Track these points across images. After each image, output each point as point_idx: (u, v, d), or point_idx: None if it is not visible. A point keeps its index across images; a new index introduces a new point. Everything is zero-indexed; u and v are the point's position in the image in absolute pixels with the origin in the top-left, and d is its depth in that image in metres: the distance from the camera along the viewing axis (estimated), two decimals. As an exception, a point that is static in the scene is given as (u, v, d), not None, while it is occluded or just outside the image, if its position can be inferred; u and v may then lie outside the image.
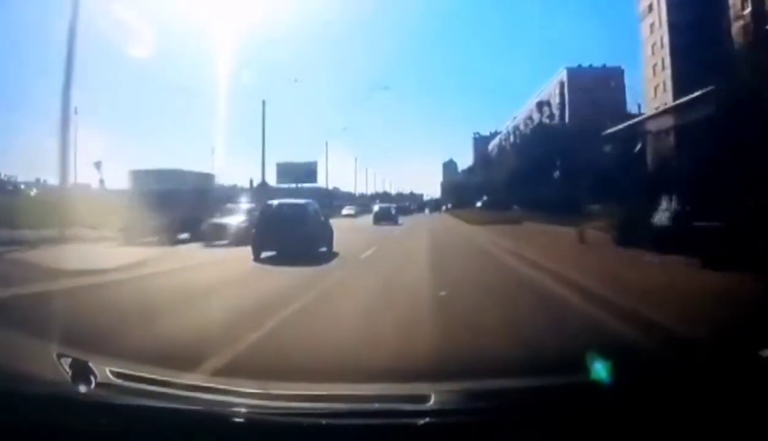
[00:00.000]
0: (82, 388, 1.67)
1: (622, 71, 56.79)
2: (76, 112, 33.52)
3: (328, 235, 14.08)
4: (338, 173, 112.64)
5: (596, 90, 57.99)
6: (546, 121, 63.57)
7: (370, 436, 1.51)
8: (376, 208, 38.89)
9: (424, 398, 1.72)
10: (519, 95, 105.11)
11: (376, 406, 1.74)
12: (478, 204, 48.97)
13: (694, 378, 1.92)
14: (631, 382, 1.91)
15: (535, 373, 2.49)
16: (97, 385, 1.69)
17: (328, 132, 72.87)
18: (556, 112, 61.20)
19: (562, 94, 59.01)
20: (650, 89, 50.17)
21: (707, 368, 2.20)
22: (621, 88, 59.20)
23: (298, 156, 54.63)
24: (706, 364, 2.42)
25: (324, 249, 13.25)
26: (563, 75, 58.11)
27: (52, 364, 1.89)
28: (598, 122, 63.38)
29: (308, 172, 50.15)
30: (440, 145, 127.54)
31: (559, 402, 1.68)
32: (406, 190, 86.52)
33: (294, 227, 12.70)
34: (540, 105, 66.45)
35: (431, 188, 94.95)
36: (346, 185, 67.57)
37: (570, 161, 46.18)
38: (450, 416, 1.61)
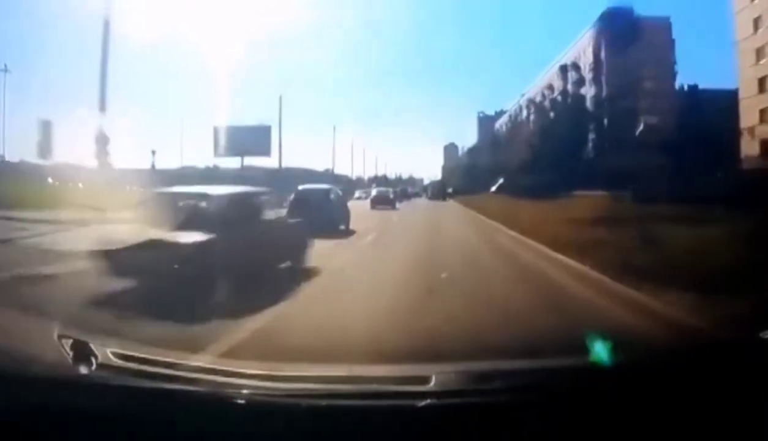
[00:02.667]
0: (83, 370, 1.71)
1: (669, 23, 47.86)
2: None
3: (346, 216, 17.74)
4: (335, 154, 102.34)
5: (640, 46, 46.17)
6: (571, 88, 55.80)
7: (370, 417, 1.58)
8: (373, 191, 38.60)
9: (425, 379, 1.78)
10: (526, 71, 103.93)
11: (377, 387, 1.82)
12: (493, 188, 41.91)
13: (694, 360, 1.98)
14: (632, 363, 2.00)
15: (536, 355, 2.48)
16: (98, 366, 1.74)
17: (335, 117, 71.21)
18: (588, 75, 54.57)
19: (596, 52, 43.69)
20: (744, 22, 34.81)
21: (708, 350, 2.24)
22: (668, 42, 49.59)
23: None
24: (707, 346, 2.48)
25: (342, 227, 16.78)
26: (599, 29, 42.97)
27: (53, 345, 1.90)
28: (641, 83, 48.61)
29: (258, 141, 35.40)
30: (441, 128, 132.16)
31: (561, 383, 1.75)
32: (406, 174, 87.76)
33: (318, 208, 15.46)
34: (564, 69, 60.52)
35: (431, 172, 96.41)
36: (342, 168, 69.48)
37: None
38: (451, 398, 1.68)
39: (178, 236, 6.14)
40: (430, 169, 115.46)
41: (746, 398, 1.57)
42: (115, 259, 5.96)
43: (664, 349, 2.80)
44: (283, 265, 8.12)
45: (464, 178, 57.07)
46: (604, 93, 47.73)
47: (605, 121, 46.21)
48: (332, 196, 18.05)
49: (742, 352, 1.94)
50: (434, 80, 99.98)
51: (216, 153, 40.84)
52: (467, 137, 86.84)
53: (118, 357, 1.85)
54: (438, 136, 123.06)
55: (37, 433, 1.55)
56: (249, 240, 6.96)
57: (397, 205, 34.74)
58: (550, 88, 60.71)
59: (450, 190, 51.65)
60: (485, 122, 78.34)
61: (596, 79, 49.08)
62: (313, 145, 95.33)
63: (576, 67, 54.30)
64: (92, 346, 1.83)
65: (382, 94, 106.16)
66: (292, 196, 17.42)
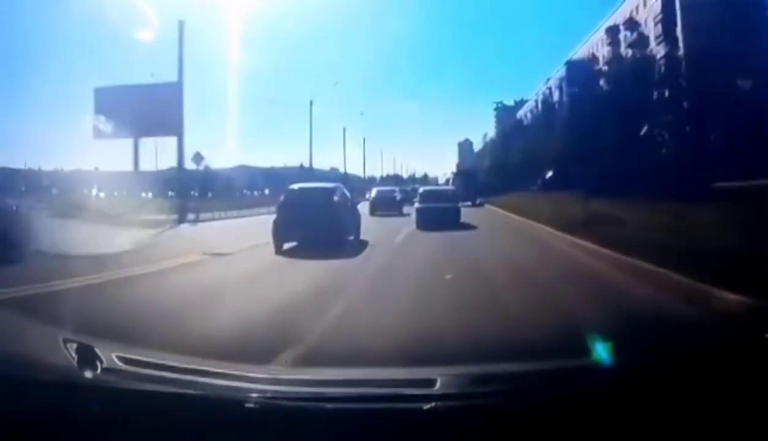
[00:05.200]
0: (88, 374, 1.77)
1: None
2: None
3: (355, 222, 14.63)
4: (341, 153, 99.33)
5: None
6: (626, 52, 40.42)
7: (375, 420, 1.63)
8: (373, 192, 29.26)
9: (431, 382, 1.84)
10: (542, 59, 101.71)
11: (382, 390, 1.89)
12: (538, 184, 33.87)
13: (698, 360, 1.98)
14: (635, 364, 2.02)
15: (541, 357, 2.50)
16: (103, 370, 1.80)
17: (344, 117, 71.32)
18: (652, 32, 39.52)
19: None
20: None
21: (712, 351, 2.22)
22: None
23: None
24: (711, 347, 2.46)
25: (351, 237, 13.81)
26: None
27: (58, 349, 1.97)
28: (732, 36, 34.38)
29: (163, 111, 21.19)
30: (453, 124, 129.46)
31: (566, 385, 1.81)
32: (419, 173, 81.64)
33: (318, 214, 12.69)
34: (613, 31, 44.81)
35: (446, 170, 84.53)
36: (352, 167, 69.16)
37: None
38: (456, 400, 1.74)
39: (446, 204, 19.83)
40: (444, 166, 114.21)
41: (750, 400, 1.59)
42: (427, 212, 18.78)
43: (667, 349, 2.70)
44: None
45: (488, 175, 47.91)
46: (680, 50, 34.45)
47: (683, 85, 33.26)
48: (336, 197, 14.07)
49: (746, 352, 1.99)
50: (443, 75, 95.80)
51: (97, 134, 26.60)
52: (481, 132, 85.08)
53: (124, 361, 1.93)
54: (450, 133, 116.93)
55: (41, 437, 1.59)
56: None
57: (406, 209, 26.89)
58: (594, 58, 47.27)
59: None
60: (504, 113, 71.59)
61: (667, 34, 35.70)
62: (320, 143, 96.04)
63: (633, 24, 40.85)
64: (97, 350, 1.90)
65: (390, 91, 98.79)
66: (282, 197, 14.57)
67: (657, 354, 2.30)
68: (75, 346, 1.92)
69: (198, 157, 25.63)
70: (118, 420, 1.55)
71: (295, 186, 15.04)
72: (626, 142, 28.93)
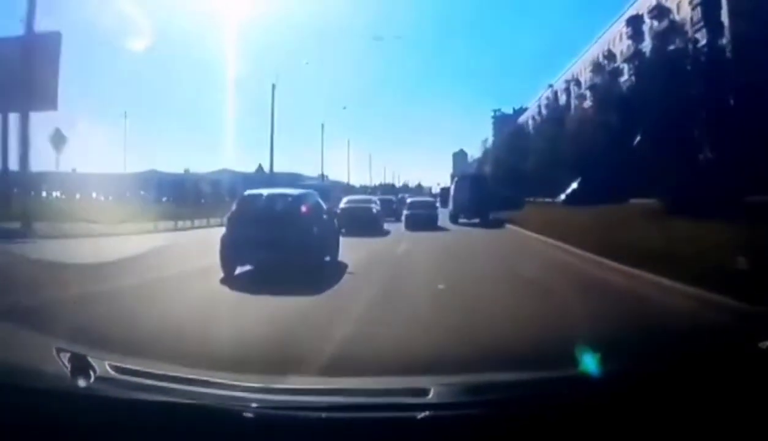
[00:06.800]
0: (81, 383, 1.82)
1: None
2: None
3: (332, 239, 12.04)
4: (334, 161, 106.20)
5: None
6: (654, 42, 31.93)
7: (368, 429, 1.70)
8: (342, 203, 22.99)
9: (424, 392, 1.92)
10: (541, 69, 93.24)
11: (375, 399, 1.96)
12: (562, 197, 28.35)
13: (691, 370, 2.02)
14: (628, 374, 2.07)
15: (534, 366, 2.50)
16: (96, 379, 1.86)
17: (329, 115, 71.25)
18: (691, 15, 34.24)
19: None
20: None
21: (705, 360, 2.20)
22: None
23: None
24: (704, 356, 2.38)
25: (327, 258, 11.61)
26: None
27: (51, 358, 2.03)
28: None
29: (36, 74, 14.16)
30: (448, 134, 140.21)
31: (558, 395, 1.87)
32: (413, 183, 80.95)
33: (282, 228, 10.19)
34: (635, 22, 39.20)
35: (440, 179, 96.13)
36: (340, 174, 63.81)
37: None
38: (449, 409, 1.81)
39: (427, 211, 26.59)
40: (438, 176, 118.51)
41: (744, 409, 1.63)
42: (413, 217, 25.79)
43: (659, 358, 2.69)
44: None
45: (486, 186, 39.47)
46: (725, 38, 28.87)
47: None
48: (307, 207, 11.28)
49: (740, 362, 2.01)
50: (439, 84, 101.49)
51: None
52: (476, 144, 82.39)
53: (117, 370, 2.01)
54: (445, 143, 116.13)
55: None
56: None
57: (388, 226, 23.12)
58: (610, 56, 41.56)
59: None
60: (501, 121, 68.99)
61: (710, 20, 29.80)
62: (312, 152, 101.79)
63: (661, 12, 35.09)
64: (90, 359, 1.96)
65: (384, 99, 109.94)
66: (234, 207, 11.79)
67: (647, 362, 2.34)
68: (68, 355, 1.99)
69: (58, 137, 19.43)
70: (112, 429, 1.58)
71: (253, 192, 11.83)
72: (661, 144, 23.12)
